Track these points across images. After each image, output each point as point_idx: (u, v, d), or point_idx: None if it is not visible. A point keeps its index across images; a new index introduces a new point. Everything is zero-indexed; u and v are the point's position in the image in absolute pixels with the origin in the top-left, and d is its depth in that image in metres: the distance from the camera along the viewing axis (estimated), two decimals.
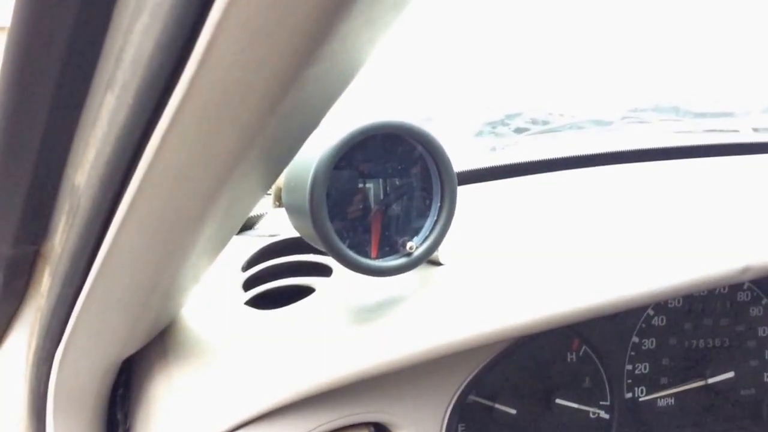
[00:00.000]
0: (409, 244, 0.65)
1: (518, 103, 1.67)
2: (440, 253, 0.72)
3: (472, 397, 0.73)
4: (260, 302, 0.76)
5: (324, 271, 0.82)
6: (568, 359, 0.78)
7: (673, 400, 0.82)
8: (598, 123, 1.51)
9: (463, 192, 0.99)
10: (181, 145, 0.38)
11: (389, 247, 0.66)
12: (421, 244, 0.66)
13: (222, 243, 0.58)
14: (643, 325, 0.81)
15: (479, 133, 1.66)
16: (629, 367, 0.81)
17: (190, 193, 0.43)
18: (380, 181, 0.65)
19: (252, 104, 0.36)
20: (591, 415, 0.78)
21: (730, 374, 0.80)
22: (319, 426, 0.61)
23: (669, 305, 0.82)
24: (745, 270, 0.65)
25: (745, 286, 0.84)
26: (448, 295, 0.67)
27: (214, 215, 0.46)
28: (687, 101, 1.56)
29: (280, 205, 0.73)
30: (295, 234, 0.78)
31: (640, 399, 0.81)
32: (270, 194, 0.77)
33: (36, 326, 0.64)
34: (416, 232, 0.67)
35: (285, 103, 0.36)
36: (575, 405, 0.76)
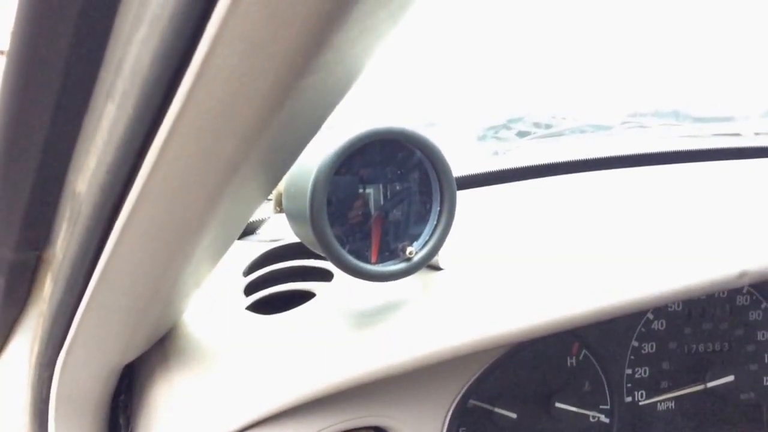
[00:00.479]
0: (408, 249, 0.65)
1: (521, 107, 1.67)
2: (440, 258, 0.73)
3: (472, 401, 0.73)
4: (261, 307, 0.76)
5: (325, 275, 0.82)
6: (568, 363, 0.78)
7: (672, 404, 0.82)
8: (599, 127, 1.51)
9: (466, 196, 1.00)
10: (181, 153, 0.38)
11: (389, 252, 0.66)
12: (420, 249, 0.66)
13: (222, 249, 0.58)
14: (643, 329, 0.81)
15: (482, 137, 1.67)
16: (629, 371, 0.81)
17: (189, 201, 0.43)
18: (380, 186, 0.65)
19: (250, 113, 0.36)
20: (591, 419, 0.78)
21: (730, 378, 0.81)
22: (320, 430, 0.62)
23: (669, 309, 0.82)
24: (743, 275, 0.65)
25: (745, 290, 0.84)
26: (448, 299, 0.68)
27: (214, 222, 0.47)
28: (687, 105, 1.56)
29: (280, 211, 0.73)
30: (296, 239, 0.79)
31: (640, 403, 0.81)
32: (270, 200, 0.77)
33: (38, 331, 0.65)
34: (416, 237, 0.67)
35: (283, 111, 0.37)
36: (575, 409, 0.76)
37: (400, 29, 0.37)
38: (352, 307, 0.70)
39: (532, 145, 1.48)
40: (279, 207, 0.74)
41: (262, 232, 1.02)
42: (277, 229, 1.00)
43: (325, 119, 0.44)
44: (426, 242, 0.67)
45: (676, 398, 0.82)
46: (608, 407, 0.79)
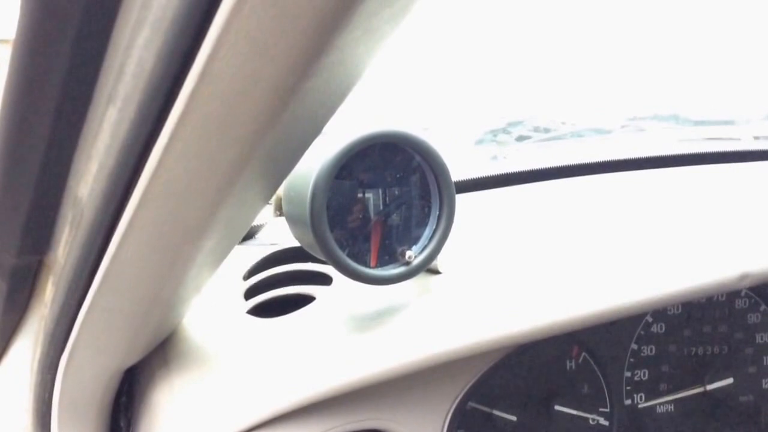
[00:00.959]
0: (408, 253, 0.66)
1: (520, 110, 1.67)
2: (439, 262, 0.73)
3: (471, 404, 0.73)
4: (261, 311, 0.77)
5: (324, 279, 0.82)
6: (568, 366, 0.79)
7: (672, 407, 0.82)
8: (599, 131, 1.52)
9: (465, 200, 1.00)
10: (182, 157, 0.38)
11: (388, 256, 0.66)
12: (419, 253, 0.67)
13: (223, 254, 0.59)
14: (642, 332, 0.81)
15: (480, 141, 1.67)
16: (628, 373, 0.81)
17: (191, 205, 0.43)
18: (379, 190, 0.66)
19: (251, 117, 0.36)
20: (590, 422, 0.78)
21: (729, 381, 0.81)
22: None
23: (668, 312, 0.82)
24: (743, 277, 0.66)
25: (743, 293, 0.84)
26: (447, 303, 0.68)
27: (215, 226, 0.47)
28: (686, 109, 1.56)
29: (280, 215, 0.74)
30: (296, 243, 0.79)
31: (640, 405, 0.81)
32: (270, 204, 0.77)
33: (40, 335, 0.65)
34: (415, 241, 0.67)
35: (285, 115, 0.37)
36: (575, 412, 0.76)
37: (402, 30, 0.37)
38: (352, 311, 0.70)
39: (531, 149, 1.48)
40: (279, 211, 0.74)
41: (261, 236, 1.02)
42: (277, 233, 1.00)
43: (326, 123, 0.45)
44: (425, 246, 0.67)
45: (675, 401, 0.82)
46: (608, 410, 0.79)
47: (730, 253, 0.69)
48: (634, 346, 0.81)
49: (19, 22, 0.37)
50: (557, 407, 0.76)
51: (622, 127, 1.50)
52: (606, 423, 0.79)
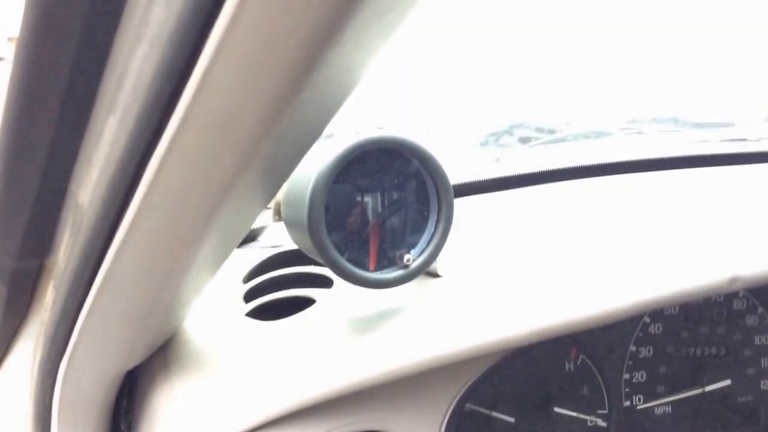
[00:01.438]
0: (406, 257, 0.66)
1: (522, 113, 1.68)
2: (438, 265, 0.73)
3: (469, 406, 0.73)
4: (261, 314, 0.77)
5: (324, 282, 0.83)
6: (566, 368, 0.79)
7: (670, 408, 0.82)
8: (599, 134, 1.52)
9: (465, 203, 1.00)
10: (181, 166, 0.39)
11: (387, 260, 0.67)
12: (418, 256, 0.67)
13: (222, 258, 0.59)
14: (640, 334, 0.82)
15: (484, 144, 1.67)
16: (627, 375, 0.81)
17: (190, 212, 0.44)
18: (378, 194, 0.66)
19: (248, 127, 0.37)
20: (589, 424, 0.78)
21: (727, 382, 0.81)
22: None
23: (666, 314, 0.83)
24: (734, 280, 0.66)
25: (741, 295, 0.85)
26: (446, 306, 0.68)
27: (214, 232, 0.47)
28: (686, 111, 1.56)
29: (279, 219, 0.74)
30: (295, 246, 0.79)
31: (638, 407, 0.81)
32: (269, 208, 0.77)
33: (40, 339, 0.65)
34: (413, 245, 0.67)
35: (280, 125, 0.38)
36: (573, 413, 0.76)
37: (394, 42, 0.38)
38: (352, 314, 0.71)
39: (534, 152, 1.48)
40: (278, 215, 0.74)
41: (261, 239, 1.03)
42: (278, 236, 1.01)
43: (322, 130, 0.45)
44: (423, 250, 0.67)
45: (673, 402, 0.82)
46: (606, 412, 0.80)
47: (719, 257, 0.69)
48: (633, 348, 0.81)
49: (21, 34, 0.38)
50: (556, 409, 0.76)
51: (622, 129, 1.51)
52: (604, 424, 0.79)
